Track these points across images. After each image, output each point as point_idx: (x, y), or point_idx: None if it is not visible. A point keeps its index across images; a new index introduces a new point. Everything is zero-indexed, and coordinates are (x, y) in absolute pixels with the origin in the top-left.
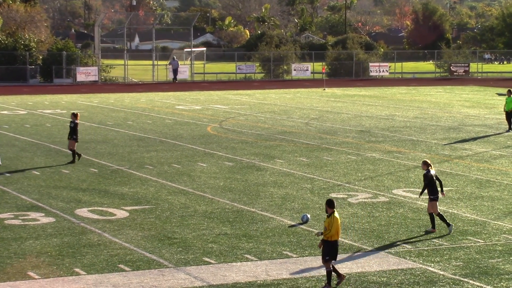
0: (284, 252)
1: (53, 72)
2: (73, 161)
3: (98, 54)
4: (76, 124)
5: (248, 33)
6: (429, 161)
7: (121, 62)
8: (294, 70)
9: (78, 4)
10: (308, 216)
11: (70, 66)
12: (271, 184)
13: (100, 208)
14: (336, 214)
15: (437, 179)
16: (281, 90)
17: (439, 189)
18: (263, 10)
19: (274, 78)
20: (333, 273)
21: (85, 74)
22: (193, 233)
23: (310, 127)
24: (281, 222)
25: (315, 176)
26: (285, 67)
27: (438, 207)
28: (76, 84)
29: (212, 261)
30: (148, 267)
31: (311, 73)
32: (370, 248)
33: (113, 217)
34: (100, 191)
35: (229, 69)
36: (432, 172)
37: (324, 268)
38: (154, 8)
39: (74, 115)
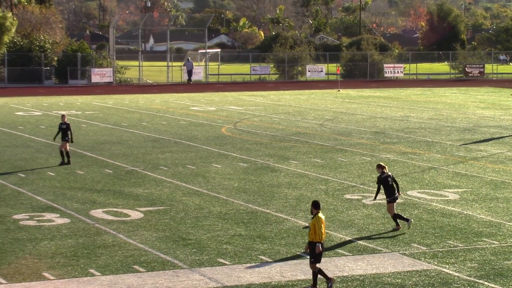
0: (298, 253)
1: (68, 73)
2: (64, 162)
3: (113, 55)
4: (68, 125)
5: (263, 34)
6: (383, 164)
7: (136, 63)
8: (309, 71)
9: (93, 5)
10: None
11: (85, 67)
12: (286, 185)
13: (115, 209)
14: (320, 215)
15: (394, 181)
16: (296, 91)
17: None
18: (278, 11)
19: (289, 79)
20: (319, 275)
21: (100, 75)
22: (208, 234)
23: (325, 128)
24: (296, 223)
25: (329, 177)
26: (299, 68)
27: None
28: (91, 85)
29: (227, 262)
30: (162, 268)
31: (326, 74)
32: (384, 250)
33: (127, 218)
34: (114, 192)
35: (244, 70)
36: (386, 174)
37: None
38: (168, 9)
39: (63, 117)
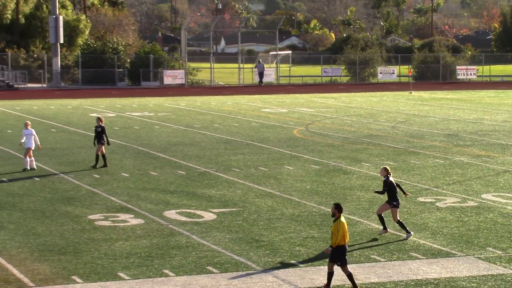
0: (372, 256)
1: (140, 75)
2: (95, 166)
3: (185, 57)
4: (103, 128)
5: (334, 36)
6: (388, 168)
7: (207, 65)
8: (380, 73)
9: (165, 7)
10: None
11: (157, 69)
12: (358, 188)
13: (188, 210)
14: (342, 218)
15: (398, 185)
16: (367, 93)
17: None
18: (349, 13)
19: (360, 81)
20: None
21: (172, 77)
22: (280, 236)
23: (397, 131)
24: (368, 226)
25: (402, 180)
26: (371, 70)
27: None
28: (163, 87)
29: (300, 265)
30: (236, 269)
31: (397, 76)
32: (459, 253)
33: (201, 219)
34: (188, 193)
35: (315, 72)
36: (391, 179)
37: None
38: (239, 11)
39: (100, 120)
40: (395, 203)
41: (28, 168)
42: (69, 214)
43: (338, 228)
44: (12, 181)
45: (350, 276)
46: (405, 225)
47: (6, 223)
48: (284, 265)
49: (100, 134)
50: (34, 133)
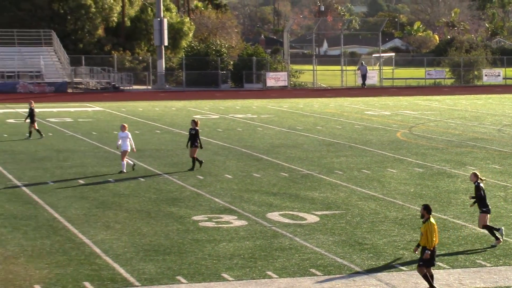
0: (478, 261)
1: (243, 77)
2: (192, 169)
3: (287, 59)
4: (197, 131)
5: (437, 38)
6: (479, 174)
7: (310, 67)
8: (485, 75)
9: (268, 10)
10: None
11: (260, 72)
12: (463, 191)
13: (291, 212)
14: (432, 220)
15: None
16: (472, 96)
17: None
18: (453, 15)
19: (464, 83)
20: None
21: (274, 79)
22: (384, 239)
23: (503, 134)
24: (474, 230)
25: (508, 184)
26: (475, 73)
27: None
28: (266, 89)
29: (404, 268)
30: (339, 272)
31: (503, 78)
32: None
33: (303, 222)
34: (290, 195)
35: (418, 75)
36: (482, 184)
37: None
38: (342, 13)
39: (195, 122)
40: (484, 209)
41: (125, 171)
42: (174, 215)
43: (430, 229)
44: (118, 181)
45: (425, 276)
46: (493, 230)
47: (113, 223)
48: (388, 268)
49: (194, 136)
50: (129, 136)
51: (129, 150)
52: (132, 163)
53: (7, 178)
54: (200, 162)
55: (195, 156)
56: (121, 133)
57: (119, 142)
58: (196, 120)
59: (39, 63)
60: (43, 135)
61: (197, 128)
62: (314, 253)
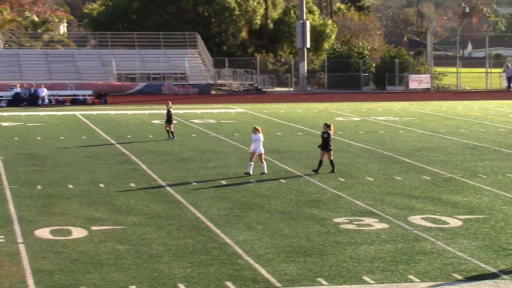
0: None
1: (385, 80)
2: (317, 170)
3: (431, 61)
4: (329, 135)
5: None
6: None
7: (454, 69)
8: None
9: (411, 12)
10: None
11: (403, 74)
12: None
13: (433, 216)
14: None
15: None
16: None
17: None
18: None
19: None
20: None
21: (417, 81)
22: None
23: None
24: None
25: None
26: None
27: None
28: (408, 92)
29: None
30: (482, 278)
31: None
32: None
33: (446, 226)
34: (432, 198)
35: None
36: None
37: None
38: (487, 15)
39: (327, 126)
40: None
41: (251, 173)
42: (315, 217)
43: None
44: (259, 182)
45: None
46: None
47: (254, 223)
48: None
49: (326, 140)
50: (261, 138)
51: (257, 152)
52: (264, 165)
53: (152, 178)
54: (332, 166)
55: (331, 159)
56: (254, 136)
57: (253, 145)
58: (328, 123)
59: (184, 65)
60: (173, 138)
61: (329, 131)
62: (457, 258)
